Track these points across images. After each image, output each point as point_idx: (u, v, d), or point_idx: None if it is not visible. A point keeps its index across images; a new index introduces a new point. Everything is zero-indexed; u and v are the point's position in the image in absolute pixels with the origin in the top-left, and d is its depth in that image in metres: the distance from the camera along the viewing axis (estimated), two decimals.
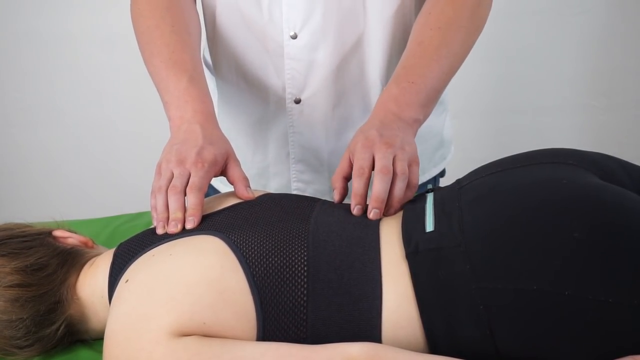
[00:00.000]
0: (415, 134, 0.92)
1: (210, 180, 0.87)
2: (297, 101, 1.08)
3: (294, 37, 1.03)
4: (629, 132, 2.20)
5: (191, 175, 0.85)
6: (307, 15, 1.01)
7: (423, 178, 1.18)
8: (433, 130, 1.10)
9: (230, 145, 0.93)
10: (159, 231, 0.83)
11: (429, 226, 0.76)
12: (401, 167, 0.83)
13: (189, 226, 0.82)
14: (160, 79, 0.96)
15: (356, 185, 0.83)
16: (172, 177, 0.85)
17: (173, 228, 0.82)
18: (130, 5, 1.04)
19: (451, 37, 0.96)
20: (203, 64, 1.17)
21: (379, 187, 0.82)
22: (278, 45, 1.04)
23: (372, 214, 0.81)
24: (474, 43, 1.00)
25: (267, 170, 1.16)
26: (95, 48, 2.12)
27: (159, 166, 0.88)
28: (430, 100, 0.95)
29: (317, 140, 1.11)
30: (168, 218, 0.83)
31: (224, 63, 1.11)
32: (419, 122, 0.93)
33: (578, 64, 2.14)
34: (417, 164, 0.87)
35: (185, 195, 0.84)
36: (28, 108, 2.21)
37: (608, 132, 2.20)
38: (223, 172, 0.91)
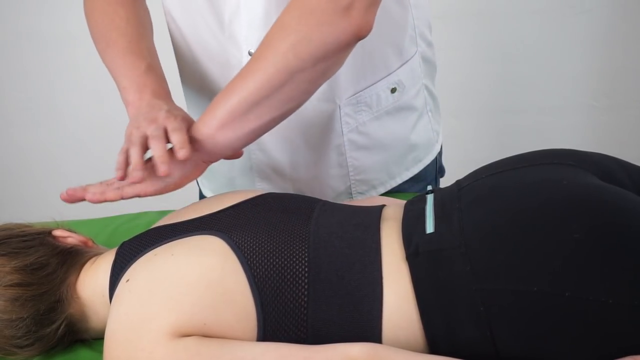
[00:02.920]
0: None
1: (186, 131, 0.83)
2: None
3: (251, 55, 1.02)
4: (630, 132, 2.19)
5: (168, 126, 0.82)
6: (264, 34, 1.00)
7: (396, 181, 1.17)
8: (397, 135, 1.10)
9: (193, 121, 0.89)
10: (136, 174, 0.77)
11: (429, 228, 0.76)
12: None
13: (180, 155, 0.78)
14: (116, 66, 0.96)
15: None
16: (146, 136, 0.81)
17: (164, 168, 0.77)
18: (84, 1, 1.05)
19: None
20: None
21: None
22: (238, 61, 1.04)
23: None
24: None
25: (233, 181, 1.16)
26: (95, 48, 2.11)
27: (129, 133, 0.83)
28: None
29: (278, 153, 1.10)
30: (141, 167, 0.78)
31: (189, 73, 1.11)
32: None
33: (579, 64, 2.14)
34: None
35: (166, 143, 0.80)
36: (28, 108, 2.22)
37: (609, 132, 2.19)
38: None
